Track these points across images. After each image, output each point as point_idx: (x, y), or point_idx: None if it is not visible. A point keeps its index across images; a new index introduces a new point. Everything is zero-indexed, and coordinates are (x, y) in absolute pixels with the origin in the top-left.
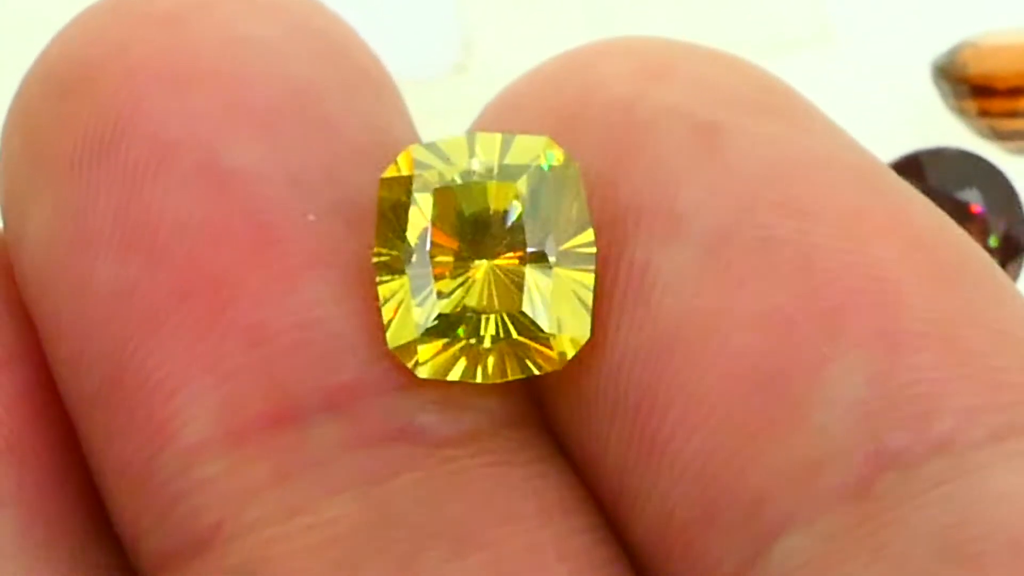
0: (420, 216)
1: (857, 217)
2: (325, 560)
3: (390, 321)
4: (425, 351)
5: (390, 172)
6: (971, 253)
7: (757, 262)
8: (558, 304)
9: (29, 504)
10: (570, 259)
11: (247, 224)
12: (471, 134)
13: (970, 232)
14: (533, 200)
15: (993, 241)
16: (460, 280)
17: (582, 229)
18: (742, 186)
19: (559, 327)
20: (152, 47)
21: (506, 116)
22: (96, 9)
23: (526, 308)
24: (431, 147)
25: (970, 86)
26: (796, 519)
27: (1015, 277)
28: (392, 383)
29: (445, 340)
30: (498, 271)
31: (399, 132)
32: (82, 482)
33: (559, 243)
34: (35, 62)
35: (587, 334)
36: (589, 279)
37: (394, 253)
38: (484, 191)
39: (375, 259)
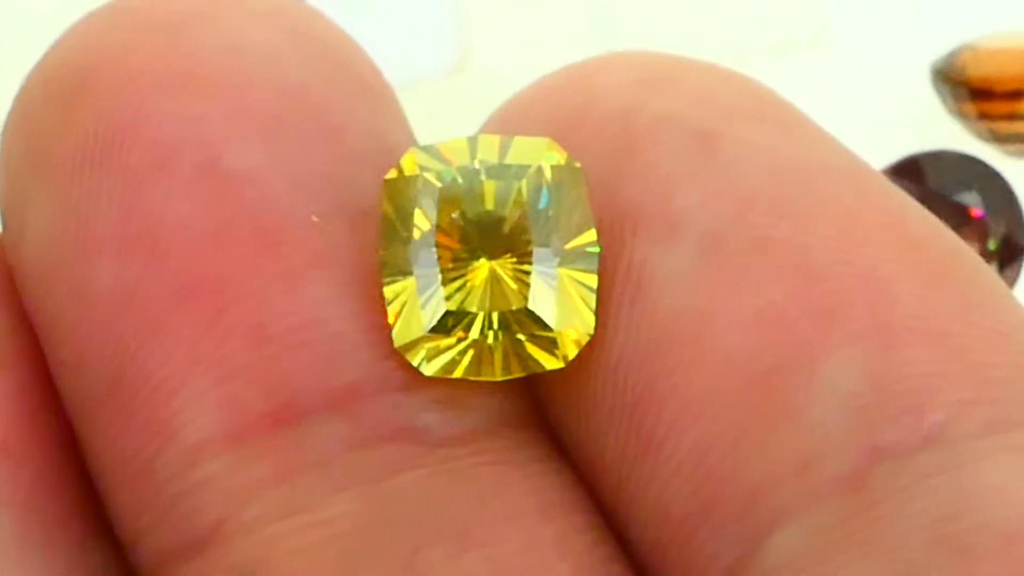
0: (424, 217)
1: (851, 218)
2: (326, 558)
3: (395, 320)
4: (430, 349)
5: (393, 174)
6: (962, 254)
7: (752, 261)
8: (561, 303)
9: (26, 505)
10: (573, 258)
11: (248, 225)
12: (472, 136)
13: (969, 235)
14: (535, 200)
15: (992, 244)
16: (464, 279)
17: (585, 228)
18: (738, 188)
19: (563, 325)
20: (153, 52)
21: (509, 127)
22: (97, 14)
23: (530, 307)
24: (433, 149)
25: (969, 89)
26: (791, 513)
27: (1014, 280)
28: (393, 383)
29: (450, 338)
30: (502, 270)
31: (397, 137)
32: (80, 483)
33: (562, 242)
34: (36, 66)
35: (590, 332)
36: (592, 278)
37: (399, 254)
38: (487, 192)
39: (380, 260)
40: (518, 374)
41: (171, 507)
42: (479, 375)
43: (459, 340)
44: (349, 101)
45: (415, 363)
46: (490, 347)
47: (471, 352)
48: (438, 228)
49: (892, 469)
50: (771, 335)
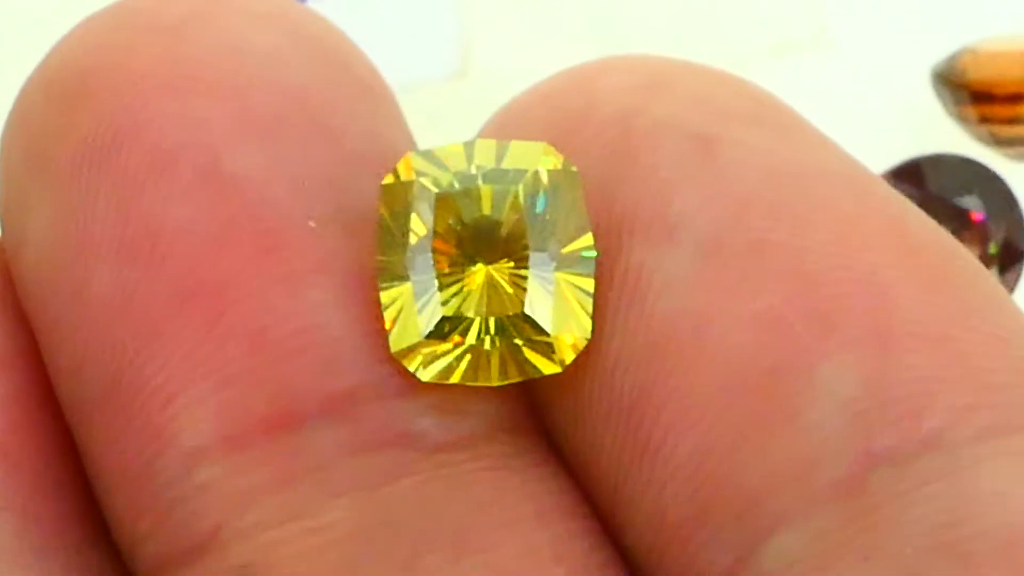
0: (420, 222)
1: (850, 223)
2: (324, 564)
3: (392, 326)
4: (427, 355)
5: (390, 179)
6: (962, 258)
7: (750, 265)
8: (558, 308)
9: (24, 509)
10: (570, 263)
11: (247, 229)
12: (469, 141)
13: (970, 239)
14: (532, 204)
15: (993, 248)
16: (461, 285)
17: (581, 233)
18: (736, 192)
19: (559, 330)
20: (153, 55)
21: (507, 130)
22: (97, 17)
23: (527, 311)
24: (430, 154)
25: (970, 92)
26: (788, 518)
27: (1014, 284)
28: (391, 388)
29: (447, 344)
30: (498, 275)
31: (397, 140)
32: (78, 487)
33: (559, 247)
34: (36, 69)
35: (587, 337)
36: (589, 283)
37: (395, 259)
38: (483, 196)
39: (377, 265)
40: (515, 379)
41: (169, 512)
42: (476, 380)
43: (456, 345)
44: (349, 103)
45: (412, 369)
46: (487, 352)
47: (468, 357)
48: (435, 233)
49: (891, 474)
50: (769, 339)
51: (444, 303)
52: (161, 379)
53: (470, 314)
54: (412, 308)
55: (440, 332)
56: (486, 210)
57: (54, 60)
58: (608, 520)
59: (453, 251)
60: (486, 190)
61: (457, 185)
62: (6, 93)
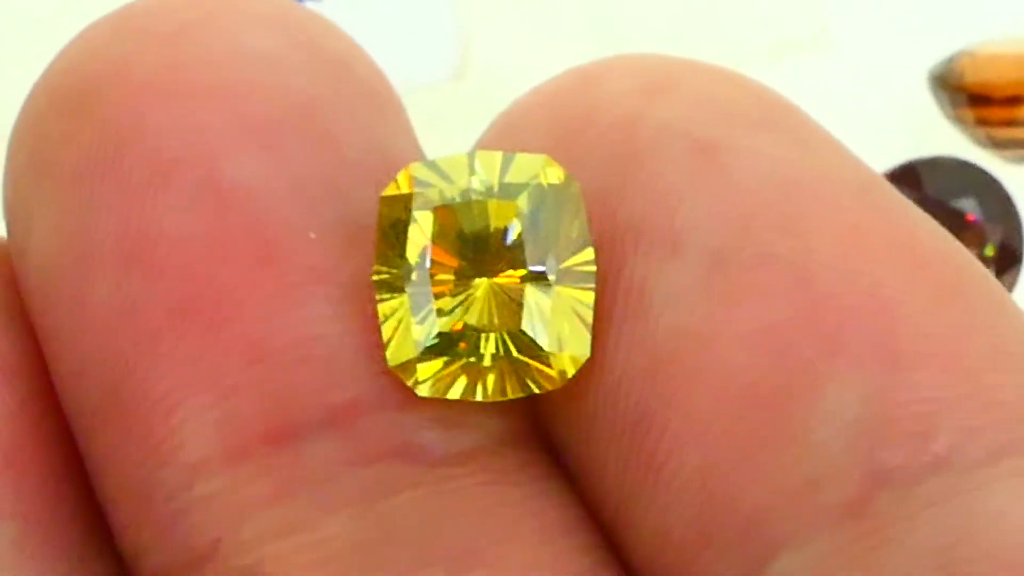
0: (420, 234)
1: (856, 234)
2: None
3: (390, 339)
4: (425, 369)
5: (390, 190)
6: (971, 269)
7: (755, 280)
8: (558, 322)
9: (28, 517)
10: (570, 277)
11: (248, 240)
12: (471, 152)
13: (966, 241)
14: (533, 218)
15: (989, 250)
16: (460, 298)
17: (582, 247)
18: (741, 204)
19: (559, 345)
20: (155, 63)
21: (509, 133)
22: (99, 25)
23: (526, 326)
24: (431, 165)
25: (967, 95)
26: (793, 538)
27: (1011, 286)
28: (391, 401)
29: (445, 358)
30: (498, 289)
31: (402, 147)
32: (82, 495)
33: (559, 261)
34: (40, 78)
35: (587, 352)
36: (589, 297)
37: (394, 271)
38: (484, 209)
39: (375, 277)
40: (515, 395)
41: (170, 525)
42: (475, 396)
43: (454, 360)
44: (352, 110)
45: (409, 383)
46: (486, 368)
47: (466, 373)
48: (434, 246)
49: (896, 496)
50: (774, 356)
51: (442, 317)
52: (161, 390)
53: (469, 329)
54: (410, 321)
55: (438, 346)
56: (486, 223)
57: (58, 67)
58: (612, 536)
59: (453, 264)
60: (487, 202)
61: (458, 197)
62: (13, 101)
